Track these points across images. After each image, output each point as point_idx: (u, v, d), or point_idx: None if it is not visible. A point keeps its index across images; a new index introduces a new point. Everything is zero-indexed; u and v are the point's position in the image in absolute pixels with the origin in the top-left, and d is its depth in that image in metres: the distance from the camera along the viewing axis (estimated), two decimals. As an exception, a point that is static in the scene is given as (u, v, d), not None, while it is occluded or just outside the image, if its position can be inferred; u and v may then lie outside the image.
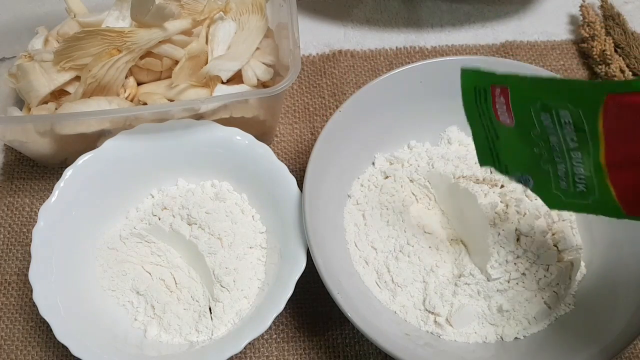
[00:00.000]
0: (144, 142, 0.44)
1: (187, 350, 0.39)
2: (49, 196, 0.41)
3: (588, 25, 0.57)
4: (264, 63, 0.48)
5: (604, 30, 0.57)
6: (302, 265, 0.39)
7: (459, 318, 0.40)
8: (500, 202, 0.41)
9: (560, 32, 0.60)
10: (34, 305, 0.38)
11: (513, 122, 0.31)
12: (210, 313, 0.41)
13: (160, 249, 0.43)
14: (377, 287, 0.42)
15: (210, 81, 0.46)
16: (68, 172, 0.42)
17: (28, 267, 0.39)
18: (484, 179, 0.43)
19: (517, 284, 0.40)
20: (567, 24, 0.61)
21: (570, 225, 0.43)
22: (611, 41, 0.56)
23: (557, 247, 0.41)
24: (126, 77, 0.47)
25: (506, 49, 0.58)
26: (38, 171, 0.51)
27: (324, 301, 0.44)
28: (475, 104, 0.33)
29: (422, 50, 0.58)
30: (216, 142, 0.45)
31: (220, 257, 0.41)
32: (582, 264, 0.43)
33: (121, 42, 0.44)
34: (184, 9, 0.49)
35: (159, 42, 0.46)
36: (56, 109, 0.46)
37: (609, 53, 0.55)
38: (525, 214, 0.41)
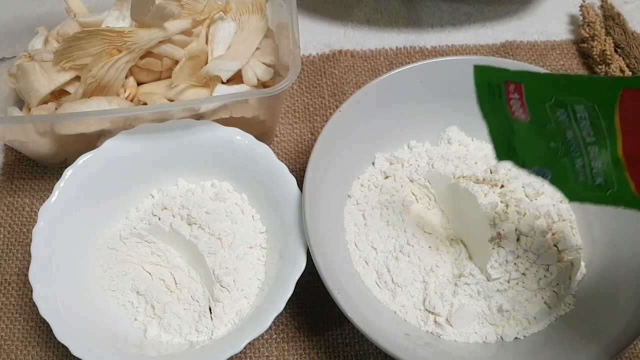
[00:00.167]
0: (144, 142, 0.44)
1: (187, 350, 0.39)
2: (49, 196, 0.41)
3: (588, 25, 0.57)
4: (264, 63, 0.48)
5: (604, 30, 0.57)
6: (302, 265, 0.39)
7: (459, 318, 0.40)
8: (500, 202, 0.41)
9: (560, 32, 0.60)
10: (34, 305, 0.38)
11: (528, 118, 0.31)
12: (210, 313, 0.41)
13: (160, 249, 0.43)
14: (377, 287, 0.42)
15: (210, 81, 0.46)
16: (68, 172, 0.42)
17: (28, 267, 0.39)
18: (484, 179, 0.43)
19: (517, 284, 0.40)
20: (567, 24, 0.61)
21: (570, 225, 0.43)
22: (611, 41, 0.56)
23: (557, 247, 0.41)
24: (126, 77, 0.47)
25: (506, 49, 0.58)
26: (38, 171, 0.51)
27: (324, 301, 0.44)
28: (489, 100, 0.33)
29: (422, 50, 0.58)
30: (216, 142, 0.45)
31: (220, 257, 0.41)
32: (582, 263, 0.43)
33: (121, 42, 0.44)
34: (184, 9, 0.49)
35: (159, 42, 0.46)
36: (56, 109, 0.46)
37: (609, 53, 0.55)
38: (525, 214, 0.41)
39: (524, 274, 0.40)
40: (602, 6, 0.60)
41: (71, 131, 0.44)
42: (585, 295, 0.41)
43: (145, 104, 0.46)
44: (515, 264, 0.40)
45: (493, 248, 0.40)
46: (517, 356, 0.39)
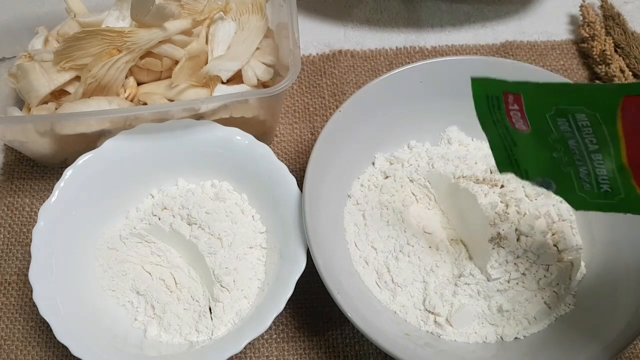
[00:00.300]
0: (144, 142, 0.44)
1: (187, 350, 0.39)
2: (49, 196, 0.41)
3: (588, 25, 0.57)
4: (264, 63, 0.48)
5: (604, 30, 0.57)
6: (302, 265, 0.39)
7: (459, 318, 0.40)
8: (500, 202, 0.41)
9: (560, 32, 0.60)
10: (34, 305, 0.38)
11: (529, 129, 0.31)
12: (210, 313, 0.41)
13: (160, 249, 0.43)
14: (377, 287, 0.42)
15: (210, 81, 0.46)
16: (68, 172, 0.42)
17: (28, 267, 0.39)
18: (484, 179, 0.43)
19: (517, 284, 0.40)
20: (567, 24, 0.61)
21: (570, 225, 0.43)
22: (611, 41, 0.56)
23: (557, 247, 0.41)
24: (126, 77, 0.47)
25: (506, 49, 0.58)
26: (38, 171, 0.51)
27: (324, 301, 0.44)
28: (489, 112, 0.32)
29: (422, 50, 0.58)
30: (216, 142, 0.45)
31: (220, 257, 0.41)
32: (582, 264, 0.43)
33: (121, 42, 0.44)
34: (184, 9, 0.49)
35: (159, 42, 0.46)
36: (56, 109, 0.46)
37: (609, 53, 0.55)
38: (525, 214, 0.41)
39: (524, 274, 0.40)
40: (602, 6, 0.60)
41: (71, 131, 0.44)
42: (585, 295, 0.41)
43: (145, 104, 0.46)
44: (515, 264, 0.40)
45: (493, 248, 0.40)
46: (517, 356, 0.39)
